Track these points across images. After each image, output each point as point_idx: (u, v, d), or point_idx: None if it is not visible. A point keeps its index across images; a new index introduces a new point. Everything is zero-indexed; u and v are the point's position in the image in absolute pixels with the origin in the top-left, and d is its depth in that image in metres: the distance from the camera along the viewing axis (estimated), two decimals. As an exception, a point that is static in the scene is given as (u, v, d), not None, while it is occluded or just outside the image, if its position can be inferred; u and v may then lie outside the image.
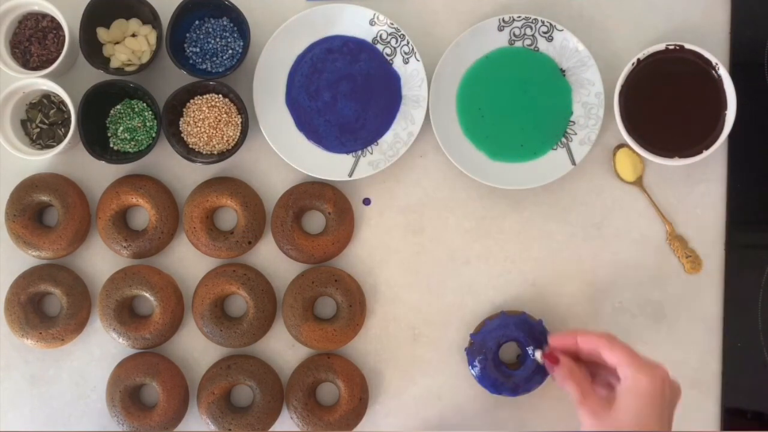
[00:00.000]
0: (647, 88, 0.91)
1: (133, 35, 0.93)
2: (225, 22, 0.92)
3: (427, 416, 0.95)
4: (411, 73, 0.94)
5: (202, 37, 0.92)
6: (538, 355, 0.87)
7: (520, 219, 0.95)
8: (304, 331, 0.92)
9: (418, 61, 0.93)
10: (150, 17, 0.91)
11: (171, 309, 0.93)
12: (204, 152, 0.92)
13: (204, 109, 0.91)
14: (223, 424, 0.92)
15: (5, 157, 0.95)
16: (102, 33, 0.92)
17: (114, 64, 0.92)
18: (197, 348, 0.96)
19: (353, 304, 0.92)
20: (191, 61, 0.93)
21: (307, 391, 0.93)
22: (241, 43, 0.92)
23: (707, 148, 0.90)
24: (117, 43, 0.93)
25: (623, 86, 0.91)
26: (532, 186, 0.93)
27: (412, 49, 0.93)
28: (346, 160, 0.94)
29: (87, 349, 0.96)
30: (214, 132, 0.91)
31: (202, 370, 0.95)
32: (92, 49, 0.91)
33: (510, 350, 0.94)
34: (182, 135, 0.92)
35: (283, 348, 0.96)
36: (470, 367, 0.92)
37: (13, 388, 0.96)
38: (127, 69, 0.92)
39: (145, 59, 0.92)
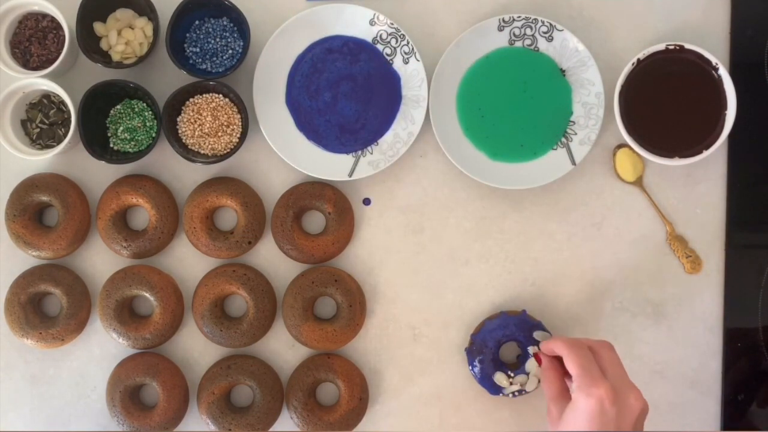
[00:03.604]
0: (647, 88, 0.91)
1: (130, 27, 0.93)
2: (225, 22, 0.92)
3: (427, 416, 0.95)
4: (411, 73, 0.94)
5: (202, 37, 0.92)
6: (531, 350, 0.89)
7: (520, 219, 0.95)
8: (304, 331, 0.92)
9: (418, 61, 0.93)
10: (147, 10, 0.91)
11: (171, 309, 0.93)
12: (204, 152, 0.92)
13: (204, 108, 0.91)
14: (223, 424, 0.92)
15: (5, 157, 0.95)
16: (99, 27, 0.92)
17: (113, 57, 0.92)
18: (197, 348, 0.96)
19: (353, 304, 0.92)
20: (191, 61, 0.93)
21: (307, 391, 0.93)
22: (241, 43, 0.92)
23: (707, 148, 0.90)
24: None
25: (623, 86, 0.91)
26: (532, 186, 0.93)
27: (412, 49, 0.93)
28: (346, 160, 0.94)
29: (87, 349, 0.96)
30: (214, 132, 0.91)
31: (202, 370, 0.95)
32: (90, 44, 0.91)
33: (510, 350, 0.94)
34: (182, 135, 0.92)
35: (283, 348, 0.96)
36: (470, 367, 0.93)
37: (13, 388, 0.96)
38: (126, 62, 0.92)
39: (142, 51, 0.92)
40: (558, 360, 0.83)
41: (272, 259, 0.96)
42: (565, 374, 0.82)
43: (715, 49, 0.92)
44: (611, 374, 0.78)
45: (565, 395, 0.81)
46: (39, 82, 0.90)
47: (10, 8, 0.91)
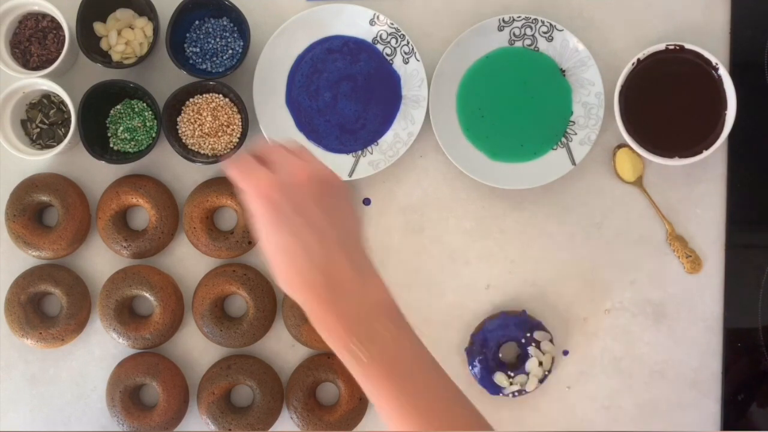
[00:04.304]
0: (647, 88, 0.91)
1: (130, 27, 0.93)
2: (225, 22, 0.92)
3: (427, 416, 0.95)
4: (411, 73, 0.94)
5: (202, 37, 0.92)
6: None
7: (520, 219, 0.95)
8: (304, 331, 0.92)
9: (418, 61, 0.93)
10: (147, 10, 0.91)
11: (171, 309, 0.93)
12: (204, 152, 0.92)
13: (204, 108, 0.91)
14: (223, 424, 0.92)
15: (5, 157, 0.95)
16: (99, 27, 0.92)
17: (113, 57, 0.92)
18: (197, 348, 0.96)
19: (353, 304, 0.92)
20: (191, 61, 0.93)
21: (307, 391, 0.93)
22: (241, 43, 0.92)
23: (707, 148, 0.90)
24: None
25: (623, 86, 0.91)
26: (532, 186, 0.93)
27: (412, 49, 0.93)
28: (346, 160, 0.94)
29: (87, 349, 0.96)
30: (214, 132, 0.91)
31: (202, 370, 0.95)
32: (90, 44, 0.91)
33: (510, 350, 0.94)
34: (182, 135, 0.92)
35: (283, 348, 0.96)
36: (470, 367, 0.92)
37: (13, 388, 0.96)
38: (126, 62, 0.92)
39: (142, 51, 0.92)
40: None
41: (272, 259, 0.95)
42: None
43: (715, 49, 0.92)
44: (277, 164, 0.66)
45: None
46: (39, 82, 0.90)
47: (10, 8, 0.91)
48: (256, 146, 0.70)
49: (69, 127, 0.91)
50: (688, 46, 0.90)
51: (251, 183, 0.65)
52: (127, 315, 0.94)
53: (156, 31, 0.91)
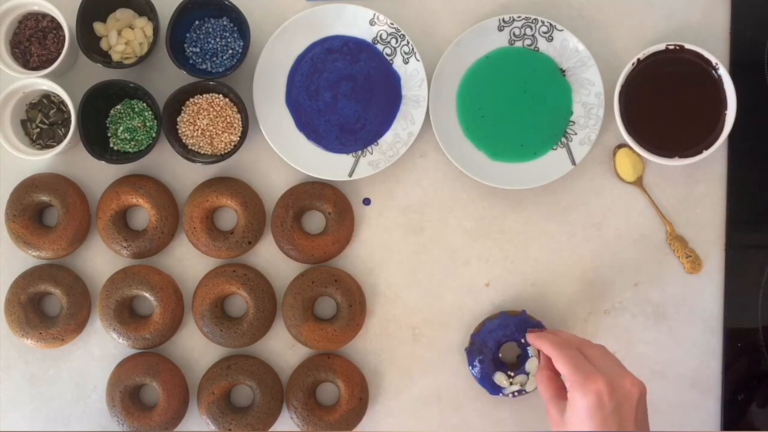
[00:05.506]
0: (647, 88, 0.91)
1: (130, 27, 0.93)
2: (225, 22, 0.92)
3: (427, 416, 0.95)
4: (411, 73, 0.94)
5: (202, 37, 0.92)
6: (531, 351, 0.90)
7: (520, 219, 0.95)
8: (304, 331, 0.92)
9: (418, 61, 0.93)
10: (147, 10, 0.91)
11: (171, 309, 0.93)
12: (204, 152, 0.92)
13: (204, 108, 0.91)
14: (223, 424, 0.92)
15: (5, 157, 0.95)
16: (99, 27, 0.92)
17: (113, 57, 0.92)
18: (197, 348, 0.96)
19: (353, 304, 0.92)
20: (191, 61, 0.93)
21: (307, 391, 0.93)
22: (241, 43, 0.92)
23: (707, 148, 0.90)
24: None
25: (623, 86, 0.91)
26: (532, 186, 0.93)
27: (412, 49, 0.93)
28: (346, 160, 0.94)
29: (87, 349, 0.96)
30: (214, 132, 0.91)
31: (202, 370, 0.95)
32: (90, 44, 0.91)
33: (510, 350, 0.94)
34: (182, 135, 0.92)
35: (283, 348, 0.96)
36: (470, 367, 0.93)
37: (13, 388, 0.96)
38: (126, 62, 0.92)
39: (142, 51, 0.92)
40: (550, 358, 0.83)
41: (272, 259, 0.96)
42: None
43: (715, 49, 0.92)
44: (602, 366, 0.77)
45: (561, 394, 0.80)
46: (39, 82, 0.90)
47: (10, 8, 0.91)
48: (571, 338, 0.82)
49: (69, 127, 0.91)
50: (688, 46, 0.90)
51: (583, 375, 0.75)
52: (127, 315, 0.94)
53: (156, 31, 0.91)
